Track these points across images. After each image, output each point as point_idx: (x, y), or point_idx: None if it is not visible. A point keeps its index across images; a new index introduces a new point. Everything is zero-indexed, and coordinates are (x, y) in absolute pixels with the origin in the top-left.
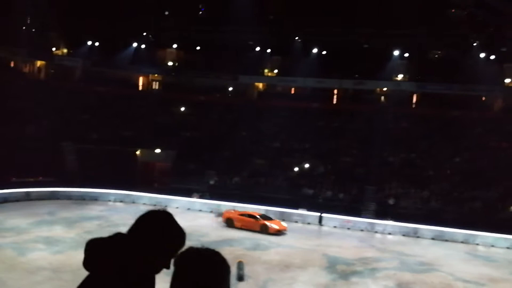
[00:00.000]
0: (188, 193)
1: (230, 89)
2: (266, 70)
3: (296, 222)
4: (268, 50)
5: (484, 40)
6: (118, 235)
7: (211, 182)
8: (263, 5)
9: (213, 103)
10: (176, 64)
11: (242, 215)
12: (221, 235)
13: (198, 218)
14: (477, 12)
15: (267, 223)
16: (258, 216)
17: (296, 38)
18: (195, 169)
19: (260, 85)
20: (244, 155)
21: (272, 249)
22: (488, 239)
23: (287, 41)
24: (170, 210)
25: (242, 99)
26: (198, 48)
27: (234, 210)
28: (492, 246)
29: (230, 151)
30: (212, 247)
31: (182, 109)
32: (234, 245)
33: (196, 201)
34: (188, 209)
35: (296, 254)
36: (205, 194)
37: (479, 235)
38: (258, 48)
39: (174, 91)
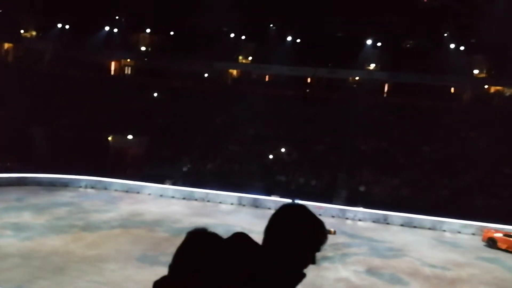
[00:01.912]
0: (161, 180)
1: (205, 75)
2: (240, 57)
3: (269, 208)
4: (243, 37)
5: (455, 31)
6: (240, 235)
7: (184, 169)
8: None
9: (187, 89)
10: (149, 49)
11: (507, 235)
12: (194, 221)
13: (171, 205)
14: (449, 2)
15: None
16: None
17: (271, 25)
18: (169, 156)
19: (235, 71)
20: (218, 142)
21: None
22: (454, 226)
23: (261, 28)
24: (142, 196)
25: (216, 86)
26: (171, 33)
27: (494, 230)
28: (458, 232)
29: (204, 137)
30: (184, 233)
31: (156, 94)
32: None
33: (168, 188)
34: (161, 195)
35: None
36: (177, 180)
37: (446, 221)
38: (232, 35)
39: (147, 76)
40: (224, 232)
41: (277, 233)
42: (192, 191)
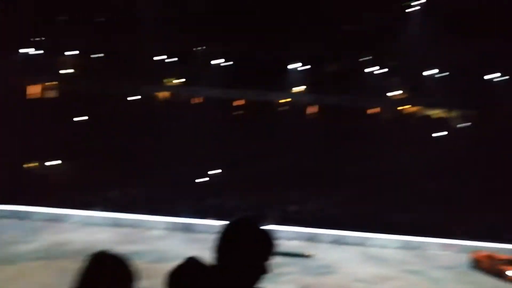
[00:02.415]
0: (87, 207)
1: (134, 98)
2: (170, 79)
3: (202, 232)
4: (173, 59)
5: (375, 55)
6: (192, 259)
7: (112, 194)
8: (168, 12)
9: (115, 112)
10: (75, 71)
11: (490, 257)
12: (122, 249)
13: (98, 233)
14: (368, 28)
15: None
16: None
17: (201, 47)
18: (95, 181)
19: (164, 94)
20: (147, 166)
21: (177, 261)
22: (380, 241)
23: (191, 50)
24: (66, 225)
25: (145, 109)
26: (99, 55)
27: (481, 251)
28: (384, 247)
29: (133, 161)
30: None
31: (81, 118)
32: (137, 259)
33: (95, 215)
34: (87, 223)
35: None
36: (105, 207)
37: (373, 237)
38: (162, 57)
39: (72, 100)
40: (155, 259)
41: (225, 249)
42: (120, 217)
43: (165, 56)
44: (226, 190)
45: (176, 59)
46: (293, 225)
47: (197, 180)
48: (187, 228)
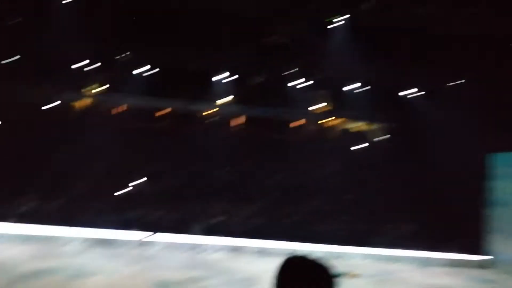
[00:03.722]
0: None
1: (53, 105)
2: (92, 87)
3: (123, 246)
4: (94, 65)
5: (299, 68)
6: None
7: (23, 208)
8: (91, 17)
9: (28, 121)
10: None
11: None
12: (35, 266)
13: (9, 249)
14: (293, 42)
15: None
16: None
17: (124, 55)
18: (7, 192)
19: (86, 101)
20: (65, 177)
21: (95, 276)
22: (304, 251)
23: (116, 57)
24: None
25: (65, 116)
26: (14, 58)
27: None
28: None
29: (50, 172)
30: (26, 278)
31: None
32: (53, 274)
33: (3, 229)
34: None
35: (121, 281)
36: (16, 221)
37: (296, 247)
38: (84, 62)
39: None
40: (71, 275)
41: None
42: (33, 232)
43: (85, 62)
44: (148, 202)
45: (97, 65)
46: (218, 236)
47: (117, 193)
48: (106, 243)
